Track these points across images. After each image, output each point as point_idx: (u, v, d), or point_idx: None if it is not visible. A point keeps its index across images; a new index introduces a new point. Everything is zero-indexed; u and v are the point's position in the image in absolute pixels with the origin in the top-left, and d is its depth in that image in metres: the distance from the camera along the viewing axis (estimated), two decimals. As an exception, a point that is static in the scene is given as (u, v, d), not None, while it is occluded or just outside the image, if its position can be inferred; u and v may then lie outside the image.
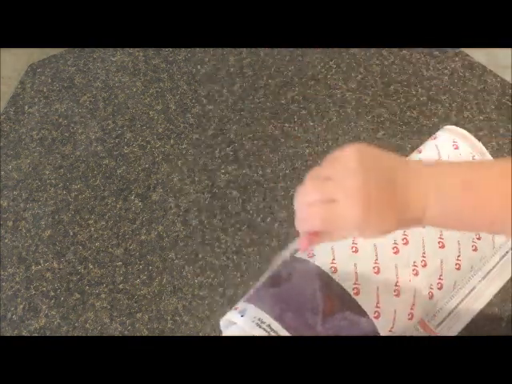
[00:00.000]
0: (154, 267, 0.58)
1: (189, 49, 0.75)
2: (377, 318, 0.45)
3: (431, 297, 0.49)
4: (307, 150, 0.64)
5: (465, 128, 0.62)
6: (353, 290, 0.47)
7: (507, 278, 0.52)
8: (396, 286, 0.47)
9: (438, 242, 0.49)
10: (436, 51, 0.69)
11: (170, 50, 0.76)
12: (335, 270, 0.49)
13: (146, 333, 0.54)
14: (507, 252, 0.53)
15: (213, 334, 0.53)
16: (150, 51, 0.76)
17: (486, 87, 0.65)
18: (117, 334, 0.54)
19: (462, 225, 0.37)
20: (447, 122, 0.62)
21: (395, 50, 0.70)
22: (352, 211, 0.33)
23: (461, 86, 0.66)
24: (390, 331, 0.46)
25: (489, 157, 0.55)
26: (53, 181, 0.66)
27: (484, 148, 0.54)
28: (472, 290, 0.52)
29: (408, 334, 0.49)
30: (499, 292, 0.52)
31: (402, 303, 0.47)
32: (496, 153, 0.60)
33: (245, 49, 0.74)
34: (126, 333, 0.54)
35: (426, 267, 0.48)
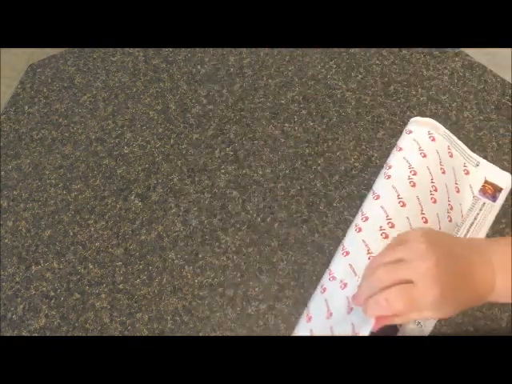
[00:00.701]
0: (153, 267, 0.58)
1: (189, 49, 0.75)
2: None
3: None
4: (307, 150, 0.64)
5: (465, 128, 0.62)
6: None
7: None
8: None
9: (422, 218, 0.51)
10: (436, 51, 0.69)
11: (170, 50, 0.76)
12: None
13: (146, 333, 0.54)
14: (475, 218, 0.55)
15: (213, 334, 0.53)
16: (150, 51, 0.76)
17: (486, 87, 0.65)
18: (117, 334, 0.54)
19: None
20: (447, 121, 0.62)
21: (395, 50, 0.70)
22: (431, 291, 0.35)
23: (461, 86, 0.66)
24: None
25: (460, 144, 0.59)
26: (53, 181, 0.66)
27: (454, 136, 0.59)
28: None
29: None
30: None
31: None
32: (496, 153, 0.60)
33: (245, 49, 0.74)
34: (126, 333, 0.54)
35: None
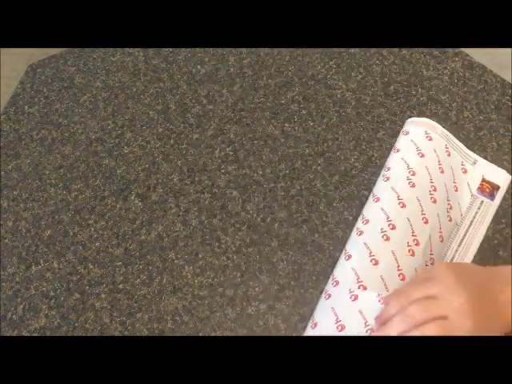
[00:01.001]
0: (153, 267, 0.58)
1: (189, 49, 0.75)
2: None
3: None
4: (307, 150, 0.64)
5: (465, 128, 0.62)
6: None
7: (478, 244, 0.54)
8: (398, 270, 0.48)
9: (422, 219, 0.51)
10: (436, 51, 0.69)
11: (170, 50, 0.76)
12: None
13: (145, 333, 0.54)
14: (474, 217, 0.55)
15: (213, 334, 0.53)
16: (150, 51, 0.76)
17: (486, 87, 0.65)
18: (117, 334, 0.54)
19: None
20: (447, 121, 0.62)
21: (395, 50, 0.70)
22: (465, 326, 0.36)
23: (461, 86, 0.66)
24: None
25: (458, 142, 0.59)
26: (53, 181, 0.66)
27: (451, 134, 0.59)
28: (452, 260, 0.53)
29: None
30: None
31: None
32: (496, 153, 0.60)
33: (245, 49, 0.74)
34: (126, 333, 0.54)
35: (419, 245, 0.49)
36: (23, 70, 0.79)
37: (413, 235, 0.50)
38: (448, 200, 0.53)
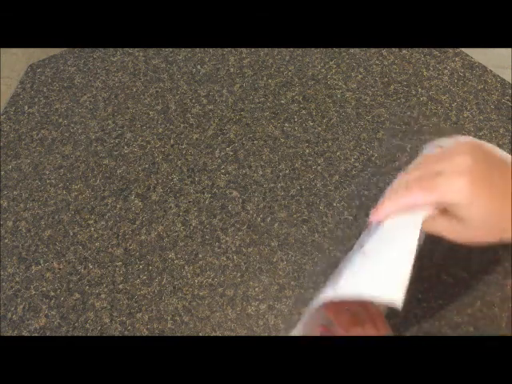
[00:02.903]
0: (153, 267, 0.58)
1: (189, 49, 0.75)
2: None
3: None
4: (307, 150, 0.64)
5: (465, 128, 0.62)
6: None
7: None
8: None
9: None
10: (436, 51, 0.69)
11: (170, 50, 0.76)
12: None
13: (146, 333, 0.54)
14: None
15: (213, 334, 0.53)
16: (150, 51, 0.76)
17: (486, 87, 0.65)
18: (117, 334, 0.54)
19: None
20: (447, 121, 0.62)
21: (395, 49, 0.70)
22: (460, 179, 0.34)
23: (461, 86, 0.66)
24: None
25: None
26: (53, 181, 0.66)
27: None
28: None
29: None
30: (499, 292, 0.52)
31: None
32: (496, 153, 0.60)
33: (245, 49, 0.74)
34: (126, 333, 0.54)
35: None
36: (23, 69, 0.79)
37: None
38: None
